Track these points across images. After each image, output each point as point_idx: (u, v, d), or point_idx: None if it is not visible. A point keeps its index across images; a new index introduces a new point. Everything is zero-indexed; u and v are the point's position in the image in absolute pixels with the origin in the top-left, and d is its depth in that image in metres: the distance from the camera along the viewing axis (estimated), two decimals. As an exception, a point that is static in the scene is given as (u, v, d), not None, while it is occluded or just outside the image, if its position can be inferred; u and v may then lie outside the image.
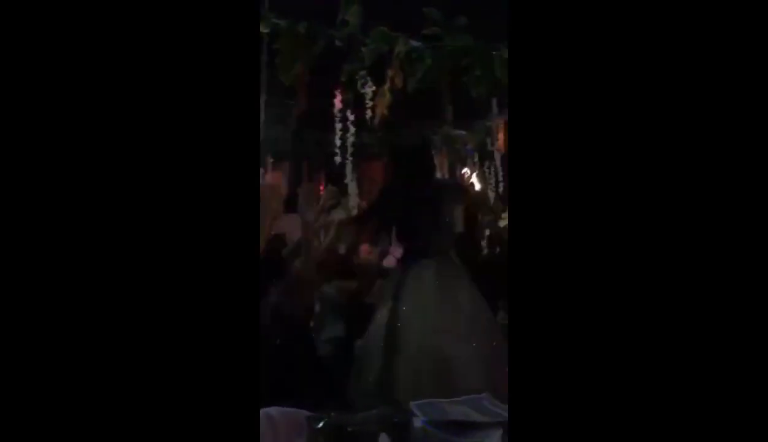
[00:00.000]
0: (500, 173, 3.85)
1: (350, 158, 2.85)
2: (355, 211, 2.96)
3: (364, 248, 2.64)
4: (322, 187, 4.23)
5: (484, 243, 3.17)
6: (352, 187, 3.47)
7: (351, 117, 2.67)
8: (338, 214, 2.10)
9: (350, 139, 2.69)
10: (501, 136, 3.47)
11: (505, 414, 0.75)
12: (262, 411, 1.38)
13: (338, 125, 2.69)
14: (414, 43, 2.31)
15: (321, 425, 0.91)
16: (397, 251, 2.47)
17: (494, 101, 3.09)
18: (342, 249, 2.09)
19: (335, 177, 3.40)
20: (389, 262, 2.77)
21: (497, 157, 3.74)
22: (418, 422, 0.99)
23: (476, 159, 4.06)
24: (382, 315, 1.70)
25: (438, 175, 3.52)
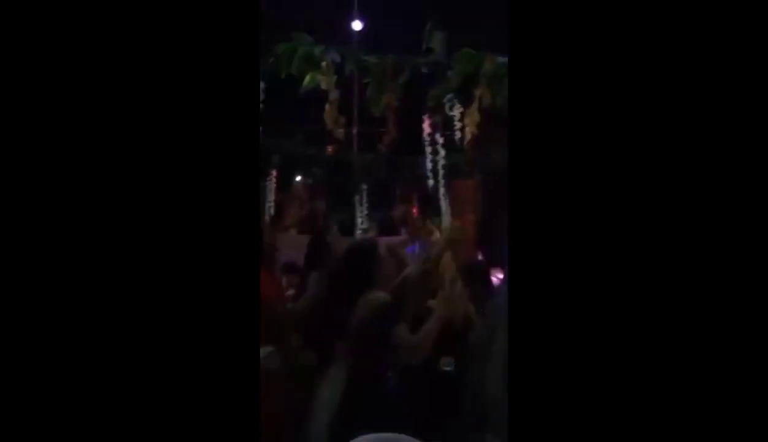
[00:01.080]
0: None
1: (442, 180, 2.87)
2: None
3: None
4: (415, 210, 4.30)
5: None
6: (446, 208, 3.48)
7: (440, 140, 2.71)
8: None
9: (441, 161, 2.72)
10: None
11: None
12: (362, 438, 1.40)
13: (428, 148, 2.73)
14: (501, 58, 2.30)
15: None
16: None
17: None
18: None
19: (427, 199, 3.43)
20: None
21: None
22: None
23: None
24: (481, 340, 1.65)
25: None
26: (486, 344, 1.58)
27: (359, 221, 4.23)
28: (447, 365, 1.88)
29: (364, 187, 3.98)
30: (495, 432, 1.18)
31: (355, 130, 3.10)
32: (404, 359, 1.77)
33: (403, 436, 1.28)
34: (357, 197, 4.17)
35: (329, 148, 3.88)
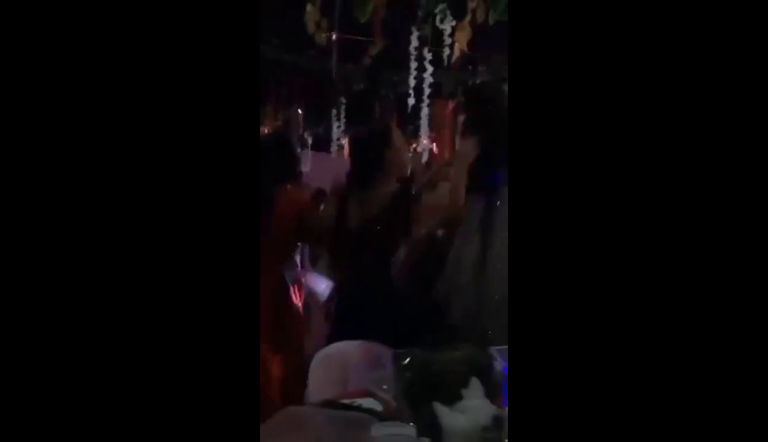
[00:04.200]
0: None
1: (426, 99, 2.77)
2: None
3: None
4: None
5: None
6: (424, 128, 3.40)
7: (428, 55, 2.57)
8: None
9: (426, 79, 2.61)
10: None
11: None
12: (339, 344, 1.46)
13: (413, 64, 2.60)
14: (499, -29, 2.14)
15: (407, 361, 0.94)
16: None
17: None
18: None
19: (407, 118, 3.34)
20: None
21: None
22: (498, 367, 1.01)
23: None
24: (468, 250, 1.63)
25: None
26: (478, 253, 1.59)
27: (335, 135, 4.11)
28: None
29: (343, 100, 3.82)
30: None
31: (335, 37, 2.90)
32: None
33: (372, 343, 1.35)
34: (334, 111, 4.02)
35: (309, 55, 3.64)
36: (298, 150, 1.94)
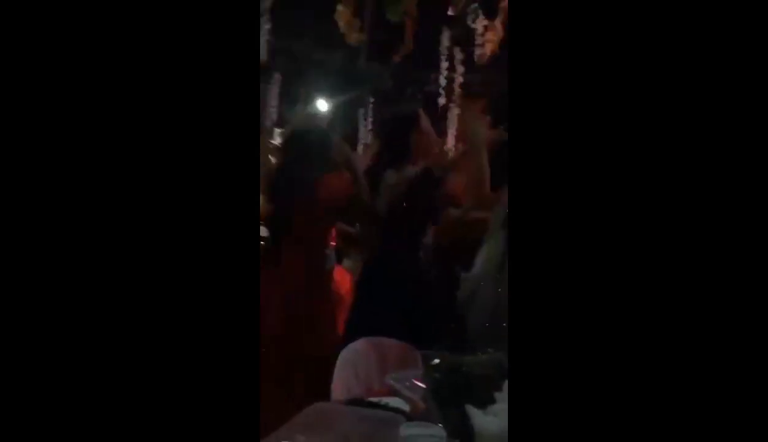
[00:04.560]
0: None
1: (455, 100, 2.75)
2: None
3: None
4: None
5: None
6: (452, 129, 3.38)
7: (458, 55, 2.56)
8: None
9: (457, 78, 2.59)
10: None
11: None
12: (369, 340, 1.46)
13: (444, 64, 2.59)
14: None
15: (436, 362, 0.93)
16: None
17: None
18: None
19: (436, 118, 3.32)
20: None
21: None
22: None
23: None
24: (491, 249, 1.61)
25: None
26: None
27: (361, 134, 4.12)
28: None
29: (371, 99, 3.82)
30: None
31: (365, 37, 2.90)
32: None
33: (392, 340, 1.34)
34: (361, 110, 4.02)
35: (338, 55, 3.67)
36: (336, 142, 1.96)
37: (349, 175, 1.99)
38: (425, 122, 1.87)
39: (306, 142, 1.88)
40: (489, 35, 2.37)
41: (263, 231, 1.88)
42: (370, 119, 4.01)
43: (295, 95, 3.72)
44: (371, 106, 3.83)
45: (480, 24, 2.33)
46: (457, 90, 2.68)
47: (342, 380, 1.25)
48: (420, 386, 0.97)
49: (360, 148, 4.09)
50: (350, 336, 1.42)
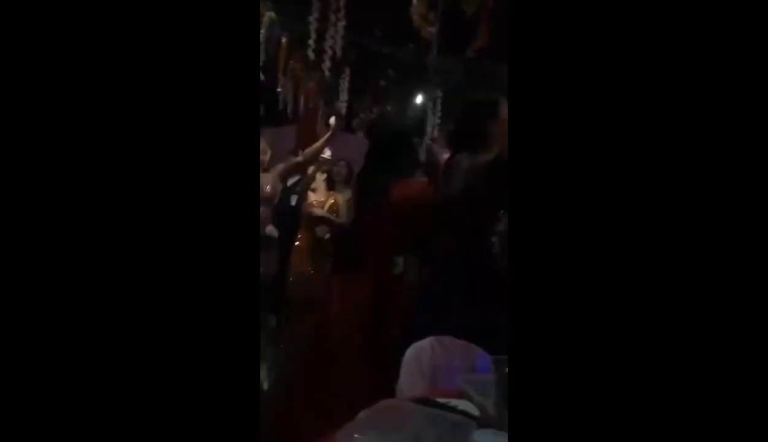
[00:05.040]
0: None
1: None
2: None
3: None
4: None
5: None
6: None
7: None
8: None
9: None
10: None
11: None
12: (435, 338, 1.45)
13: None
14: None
15: (507, 369, 0.90)
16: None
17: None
18: None
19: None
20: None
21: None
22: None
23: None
24: None
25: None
26: None
27: (429, 129, 4.08)
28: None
29: (439, 94, 3.77)
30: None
31: (436, 30, 2.87)
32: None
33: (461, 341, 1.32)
34: (430, 104, 3.98)
35: (409, 47, 3.64)
36: (421, 146, 1.98)
37: (427, 181, 1.99)
38: (505, 111, 1.83)
39: (386, 143, 1.91)
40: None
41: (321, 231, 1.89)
42: (438, 114, 3.96)
43: (364, 90, 3.75)
44: (440, 100, 3.78)
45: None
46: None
47: (407, 377, 1.25)
48: (492, 392, 0.94)
49: (425, 142, 4.07)
50: (417, 334, 1.41)
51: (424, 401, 0.97)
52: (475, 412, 0.95)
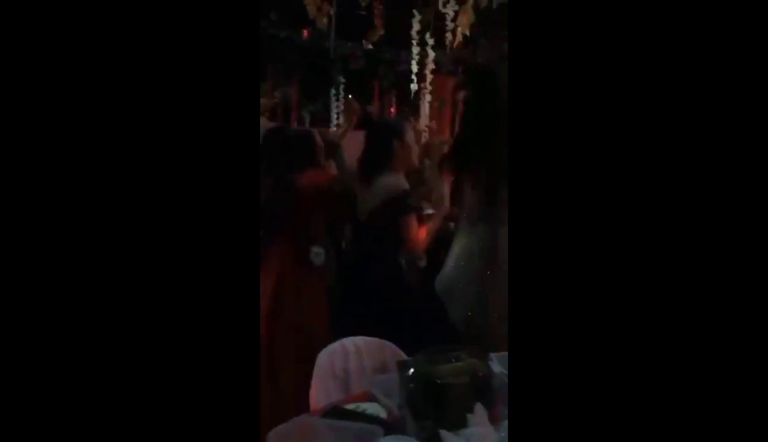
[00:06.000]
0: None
1: (426, 82, 2.73)
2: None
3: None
4: (393, 110, 4.12)
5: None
6: (424, 109, 3.36)
7: (430, 41, 2.53)
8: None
9: (427, 62, 2.57)
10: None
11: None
12: (345, 340, 1.49)
13: (415, 48, 2.56)
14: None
15: (411, 372, 0.97)
16: None
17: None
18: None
19: (406, 97, 3.30)
20: None
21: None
22: (496, 369, 1.04)
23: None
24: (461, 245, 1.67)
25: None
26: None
27: (334, 114, 4.06)
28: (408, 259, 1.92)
29: (342, 79, 3.74)
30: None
31: (334, 15, 2.83)
32: (407, 251, 1.83)
33: (387, 342, 1.38)
34: (333, 90, 3.94)
35: (305, 33, 3.56)
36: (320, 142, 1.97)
37: (332, 171, 2.00)
38: (410, 136, 1.93)
39: (293, 143, 1.91)
40: (460, 19, 2.34)
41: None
42: (341, 98, 3.94)
43: (264, 75, 3.62)
44: (342, 85, 3.77)
45: (450, 8, 2.30)
46: (429, 72, 2.66)
47: (320, 384, 1.28)
48: (396, 394, 1.00)
49: (333, 127, 4.05)
50: (331, 339, 1.44)
51: (333, 412, 1.02)
52: (382, 414, 1.01)
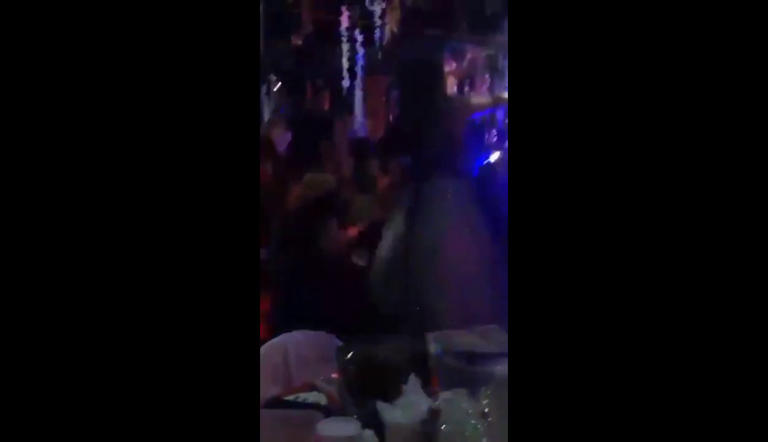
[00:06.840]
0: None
1: (357, 79, 2.76)
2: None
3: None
4: (326, 104, 4.12)
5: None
6: (358, 108, 3.39)
7: (359, 37, 2.55)
8: None
9: (358, 58, 2.60)
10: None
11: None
12: (288, 335, 1.48)
13: (345, 45, 2.58)
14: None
15: (350, 355, 0.98)
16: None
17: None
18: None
19: (339, 97, 3.31)
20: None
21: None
22: (433, 351, 1.08)
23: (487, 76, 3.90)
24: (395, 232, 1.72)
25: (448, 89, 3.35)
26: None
27: (265, 114, 3.99)
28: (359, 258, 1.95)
29: (272, 77, 3.70)
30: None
31: (261, 13, 2.79)
32: (325, 250, 1.84)
33: (324, 333, 1.38)
34: (263, 88, 3.89)
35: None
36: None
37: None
38: (339, 134, 1.95)
39: None
40: (388, 16, 2.39)
41: None
42: (273, 97, 3.89)
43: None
44: (273, 85, 3.72)
45: (378, 6, 2.34)
46: (360, 69, 2.69)
47: (263, 376, 1.26)
48: (335, 379, 1.01)
49: (263, 126, 3.98)
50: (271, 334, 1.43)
51: (272, 403, 1.01)
52: (323, 401, 1.02)
